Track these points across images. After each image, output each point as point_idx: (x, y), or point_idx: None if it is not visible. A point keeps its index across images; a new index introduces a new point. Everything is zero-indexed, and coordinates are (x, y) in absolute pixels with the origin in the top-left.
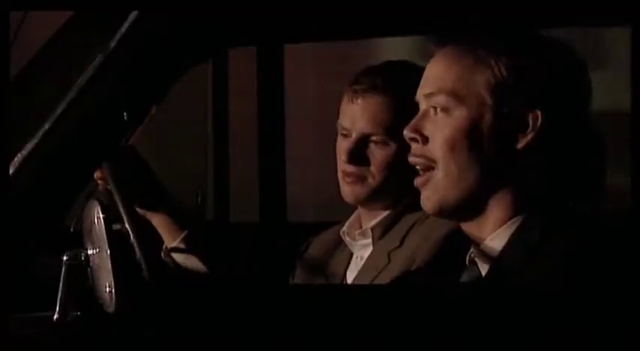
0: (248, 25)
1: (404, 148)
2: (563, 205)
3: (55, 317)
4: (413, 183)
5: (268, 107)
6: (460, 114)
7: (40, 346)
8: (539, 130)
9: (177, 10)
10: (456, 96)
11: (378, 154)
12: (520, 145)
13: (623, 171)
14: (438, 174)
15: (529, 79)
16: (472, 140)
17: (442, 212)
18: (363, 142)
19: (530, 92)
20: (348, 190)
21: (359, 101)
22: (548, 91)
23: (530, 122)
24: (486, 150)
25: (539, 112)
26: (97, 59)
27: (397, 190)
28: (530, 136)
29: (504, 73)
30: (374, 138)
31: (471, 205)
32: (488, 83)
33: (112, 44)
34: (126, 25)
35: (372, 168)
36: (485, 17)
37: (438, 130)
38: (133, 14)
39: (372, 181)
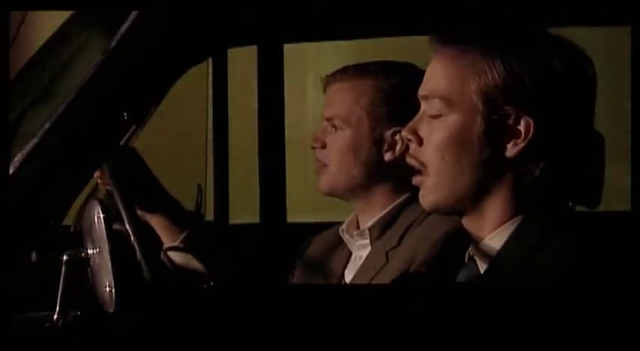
0: (248, 25)
1: (362, 136)
2: (563, 205)
3: (55, 317)
4: (401, 180)
5: (268, 107)
6: (452, 119)
7: (40, 346)
8: (532, 138)
9: (178, 10)
10: (448, 101)
11: (333, 138)
12: (510, 153)
13: (623, 171)
14: (429, 178)
15: (523, 85)
16: (463, 146)
17: (437, 211)
18: (326, 127)
19: (523, 99)
20: (318, 179)
21: (327, 90)
22: (544, 98)
23: (523, 130)
24: (477, 156)
25: (531, 121)
26: (97, 59)
27: (375, 182)
28: (522, 145)
29: (497, 80)
30: (332, 122)
31: (466, 206)
32: (480, 89)
33: (112, 44)
34: (126, 25)
35: (329, 152)
36: (484, 17)
37: (431, 133)
38: (133, 14)
39: (330, 167)
